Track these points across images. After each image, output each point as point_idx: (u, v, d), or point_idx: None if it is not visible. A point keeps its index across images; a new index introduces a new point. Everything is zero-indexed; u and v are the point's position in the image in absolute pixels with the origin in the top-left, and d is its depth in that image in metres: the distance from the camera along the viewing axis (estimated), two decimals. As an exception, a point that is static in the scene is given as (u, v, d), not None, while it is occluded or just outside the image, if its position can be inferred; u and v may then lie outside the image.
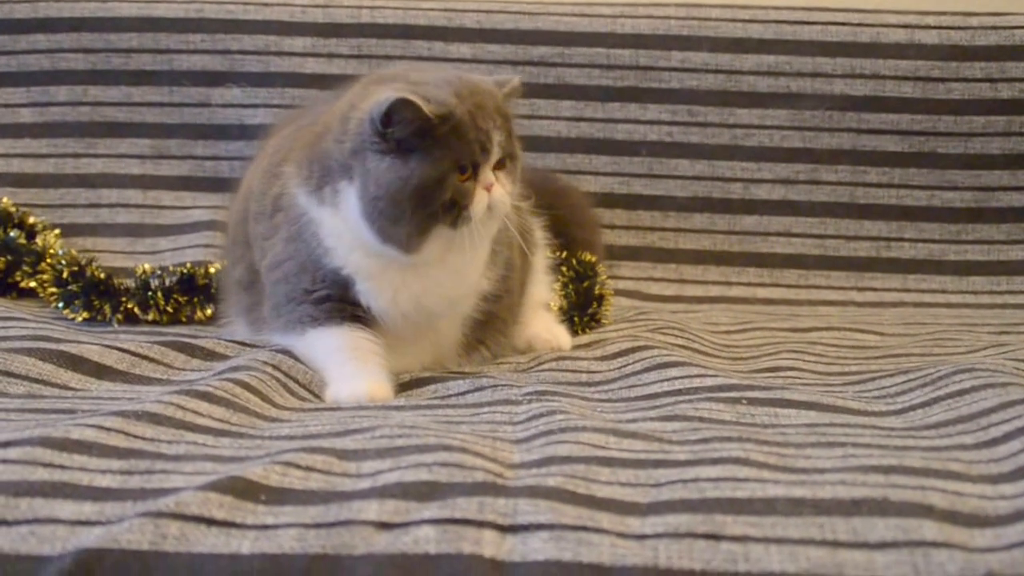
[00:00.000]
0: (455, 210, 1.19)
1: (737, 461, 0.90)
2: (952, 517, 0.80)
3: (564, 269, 1.58)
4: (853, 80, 1.88)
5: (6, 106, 1.91)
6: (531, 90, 1.85)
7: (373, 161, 1.18)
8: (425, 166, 1.17)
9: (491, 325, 1.35)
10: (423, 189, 1.17)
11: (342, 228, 1.22)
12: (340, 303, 1.25)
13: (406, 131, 1.16)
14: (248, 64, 1.88)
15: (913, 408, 1.12)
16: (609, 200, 1.88)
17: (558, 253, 1.59)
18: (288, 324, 1.27)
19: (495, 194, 1.21)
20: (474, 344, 1.35)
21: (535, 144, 1.86)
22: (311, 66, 1.88)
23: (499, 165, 1.23)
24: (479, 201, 1.20)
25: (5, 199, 1.73)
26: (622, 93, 1.89)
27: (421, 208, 1.18)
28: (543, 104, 1.89)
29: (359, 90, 1.25)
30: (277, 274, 1.28)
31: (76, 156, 1.90)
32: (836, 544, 0.77)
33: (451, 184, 1.18)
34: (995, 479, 0.89)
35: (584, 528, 0.80)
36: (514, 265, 1.38)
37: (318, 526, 0.80)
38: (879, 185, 1.89)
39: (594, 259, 1.62)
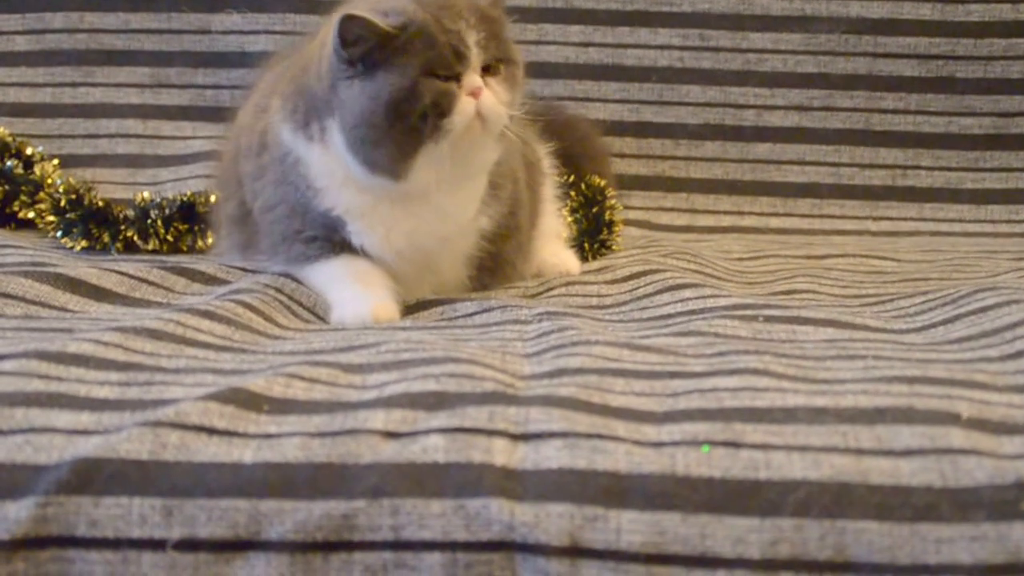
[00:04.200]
0: (436, 117, 1.12)
1: (756, 372, 0.88)
2: (979, 425, 0.78)
3: (573, 194, 1.56)
4: (869, 2, 1.84)
5: (1, 34, 1.87)
6: (539, 15, 1.84)
7: (344, 90, 1.14)
8: (392, 77, 1.12)
9: (498, 269, 1.32)
10: (395, 102, 1.12)
11: (333, 166, 1.18)
12: (333, 243, 1.22)
13: (365, 48, 1.12)
14: (248, -12, 1.86)
15: (934, 325, 1.10)
16: (618, 128, 1.85)
17: (566, 178, 1.56)
18: (288, 261, 1.25)
19: (485, 101, 1.14)
20: (479, 288, 1.31)
21: (543, 70, 1.82)
22: (312, -10, 1.85)
23: (490, 71, 1.16)
24: (463, 108, 1.13)
25: (1, 129, 1.70)
26: (632, 17, 1.85)
27: (399, 123, 1.12)
28: (551, 29, 1.85)
29: (333, 18, 1.20)
30: (270, 216, 1.25)
31: (74, 85, 1.87)
32: (860, 452, 0.75)
33: (426, 90, 1.12)
34: (1022, 389, 0.86)
35: (599, 436, 0.78)
36: (521, 201, 1.33)
37: (323, 435, 0.79)
38: (895, 111, 1.86)
39: (603, 183, 1.59)
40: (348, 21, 1.11)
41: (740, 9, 1.85)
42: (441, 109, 1.13)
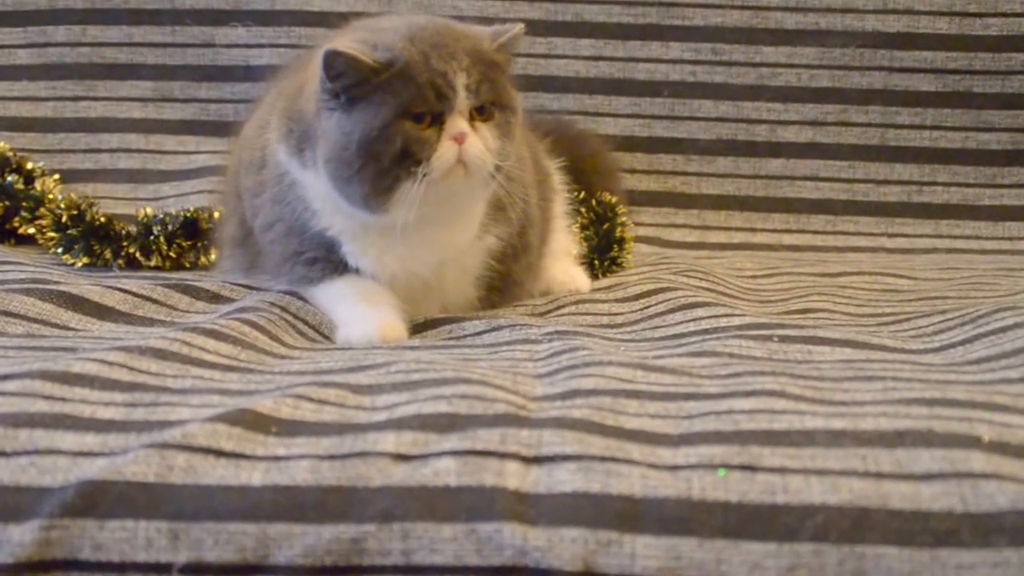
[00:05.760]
0: (411, 163, 1.09)
1: (772, 394, 0.87)
2: (1000, 448, 0.77)
3: (583, 211, 1.55)
4: (885, 16, 1.82)
5: (2, 47, 1.86)
6: (549, 28, 1.83)
7: (325, 120, 1.11)
8: (367, 116, 1.08)
9: (507, 289, 1.30)
10: (367, 141, 1.08)
11: (325, 191, 1.16)
12: (334, 264, 1.20)
13: (348, 83, 1.09)
14: (253, 1, 1.83)
15: (953, 346, 1.08)
16: (629, 143, 1.83)
17: (576, 194, 1.54)
18: (292, 282, 1.24)
19: (469, 148, 1.10)
20: (488, 306, 1.29)
21: (552, 84, 1.81)
22: (318, 3, 1.82)
23: (484, 115, 1.13)
24: (443, 153, 1.09)
25: (2, 143, 1.68)
26: (643, 31, 1.83)
27: (372, 163, 1.09)
28: (561, 43, 1.83)
29: (332, 38, 1.19)
30: (271, 235, 1.24)
31: (75, 99, 1.86)
32: (879, 475, 0.74)
33: (400, 132, 1.08)
34: (1044, 411, 0.85)
35: (613, 459, 0.77)
36: (532, 220, 1.31)
37: (332, 458, 0.77)
38: (911, 127, 1.84)
39: (614, 200, 1.58)
40: (332, 56, 1.08)
41: (753, 23, 1.83)
42: (415, 155, 1.09)
